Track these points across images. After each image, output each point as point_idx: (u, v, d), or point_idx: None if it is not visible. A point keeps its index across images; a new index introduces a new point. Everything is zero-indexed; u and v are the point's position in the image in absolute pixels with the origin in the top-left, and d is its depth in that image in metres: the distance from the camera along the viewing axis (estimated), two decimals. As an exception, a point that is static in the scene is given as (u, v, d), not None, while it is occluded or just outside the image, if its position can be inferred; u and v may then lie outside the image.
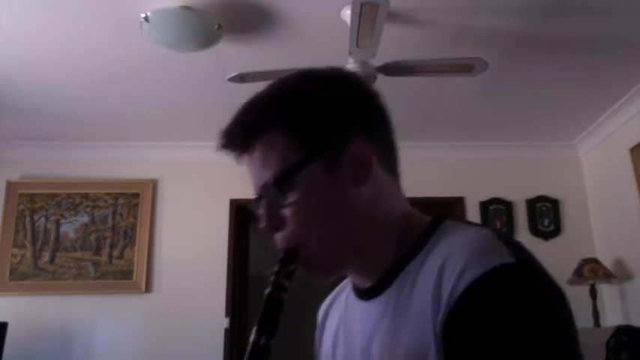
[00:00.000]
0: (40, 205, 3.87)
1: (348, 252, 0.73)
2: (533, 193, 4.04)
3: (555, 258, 3.84)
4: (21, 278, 3.71)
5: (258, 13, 2.53)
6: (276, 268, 0.70)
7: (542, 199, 4.03)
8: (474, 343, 0.57)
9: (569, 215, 4.02)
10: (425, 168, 3.97)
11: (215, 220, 3.90)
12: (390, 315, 0.69)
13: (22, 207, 3.85)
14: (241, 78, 2.60)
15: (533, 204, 4.02)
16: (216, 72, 2.96)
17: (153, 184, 3.94)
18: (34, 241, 3.80)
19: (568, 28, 2.68)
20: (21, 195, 3.87)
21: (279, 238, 0.73)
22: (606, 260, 3.60)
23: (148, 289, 3.75)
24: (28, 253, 3.77)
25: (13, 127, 3.70)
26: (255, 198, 0.74)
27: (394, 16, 2.48)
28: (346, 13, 2.43)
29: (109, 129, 3.78)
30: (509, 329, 0.57)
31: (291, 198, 0.70)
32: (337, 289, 0.91)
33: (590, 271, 3.48)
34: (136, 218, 3.87)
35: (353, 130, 0.72)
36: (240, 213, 3.94)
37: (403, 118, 3.74)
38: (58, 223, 3.85)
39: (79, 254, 3.80)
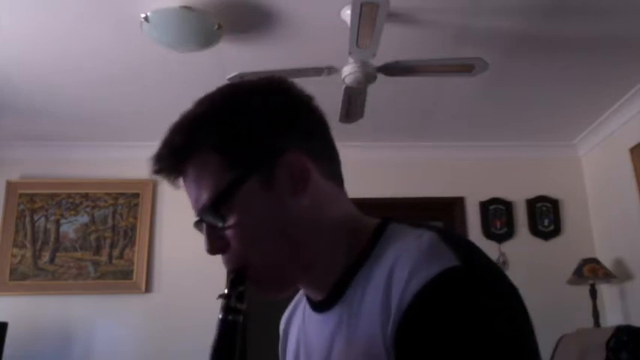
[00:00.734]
0: (40, 205, 3.87)
1: (296, 266, 0.71)
2: (533, 193, 4.03)
3: (555, 258, 3.88)
4: (21, 278, 3.71)
5: (258, 13, 2.53)
6: (225, 291, 0.68)
7: (542, 199, 4.02)
8: (422, 353, 0.56)
9: (569, 215, 4.01)
10: (425, 168, 3.97)
11: (215, 220, 3.89)
12: (345, 328, 0.68)
13: (22, 207, 3.85)
14: (241, 78, 2.60)
15: (533, 204, 4.01)
16: (216, 72, 2.95)
17: (153, 184, 3.93)
18: (34, 241, 3.80)
19: (568, 28, 2.68)
20: (21, 195, 3.86)
21: (225, 259, 0.70)
22: (606, 260, 3.60)
23: (148, 289, 3.75)
24: (28, 253, 3.77)
25: (13, 127, 3.70)
26: (196, 222, 0.71)
27: (394, 16, 2.48)
28: (346, 13, 2.42)
29: (109, 129, 3.78)
30: (457, 335, 0.55)
31: (231, 219, 0.67)
32: (296, 298, 0.89)
33: (590, 271, 3.47)
34: (135, 218, 3.87)
35: (284, 140, 0.69)
36: (240, 213, 3.94)
37: (403, 118, 3.78)
38: (58, 223, 3.85)
39: (79, 254, 3.80)
